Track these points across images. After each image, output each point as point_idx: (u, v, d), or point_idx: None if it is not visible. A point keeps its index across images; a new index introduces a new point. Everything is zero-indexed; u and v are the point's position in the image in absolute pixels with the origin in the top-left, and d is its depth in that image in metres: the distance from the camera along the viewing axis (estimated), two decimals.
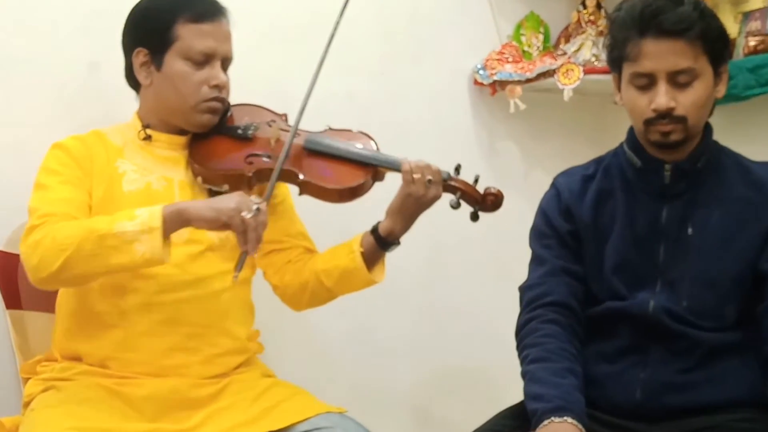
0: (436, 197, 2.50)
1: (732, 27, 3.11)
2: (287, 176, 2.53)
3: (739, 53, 3.10)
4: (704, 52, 2.26)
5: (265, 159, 2.54)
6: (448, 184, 2.51)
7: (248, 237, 2.26)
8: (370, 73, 3.31)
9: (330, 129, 2.65)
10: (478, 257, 3.49)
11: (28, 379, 2.50)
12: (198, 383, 2.44)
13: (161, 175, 2.52)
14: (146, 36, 2.51)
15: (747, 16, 3.14)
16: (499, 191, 2.54)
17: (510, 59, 3.44)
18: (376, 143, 2.62)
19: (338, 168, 2.55)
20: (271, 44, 3.11)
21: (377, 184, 2.57)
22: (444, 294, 3.46)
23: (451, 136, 3.35)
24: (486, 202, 2.53)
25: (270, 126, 2.61)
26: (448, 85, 3.46)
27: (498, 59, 3.43)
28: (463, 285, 3.48)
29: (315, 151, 2.57)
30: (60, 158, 2.47)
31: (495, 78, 3.40)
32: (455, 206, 2.51)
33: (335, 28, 2.53)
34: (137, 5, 2.55)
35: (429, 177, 2.47)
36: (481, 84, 3.44)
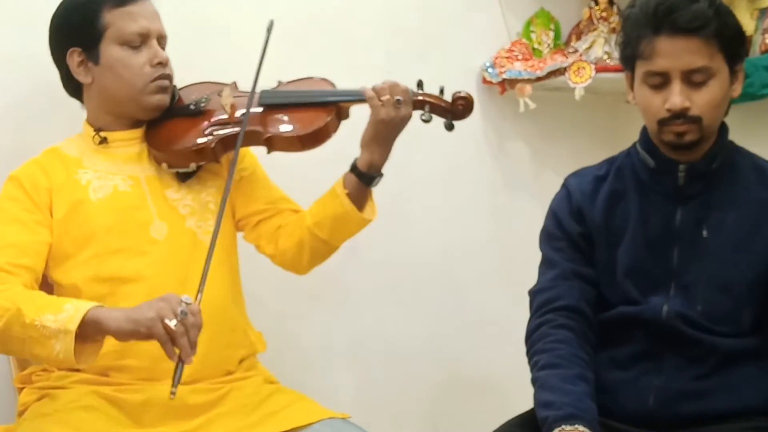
0: (407, 116, 2.51)
1: (748, 24, 3.10)
2: (251, 138, 2.54)
3: (755, 50, 3.10)
4: (720, 50, 2.26)
5: (224, 127, 2.55)
6: (415, 100, 2.52)
7: (179, 344, 2.13)
8: (376, 71, 3.28)
9: (281, 83, 2.66)
10: (486, 260, 3.49)
11: (23, 388, 2.51)
12: (198, 389, 2.44)
13: (126, 175, 2.53)
14: (75, 34, 2.52)
15: (764, 12, 3.14)
16: (468, 94, 2.55)
17: (520, 57, 3.44)
18: (331, 83, 2.63)
19: (299, 115, 2.56)
20: (275, 43, 3.09)
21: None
22: (452, 298, 3.46)
23: (459, 136, 3.31)
24: (456, 107, 2.54)
25: (220, 96, 2.61)
26: (456, 84, 3.40)
27: (507, 57, 3.43)
28: (471, 288, 3.48)
29: (272, 105, 2.58)
30: (10, 193, 2.47)
31: (504, 76, 3.40)
32: (427, 120, 2.53)
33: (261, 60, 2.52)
34: (56, 10, 2.55)
35: (398, 97, 2.48)
36: (490, 82, 3.44)
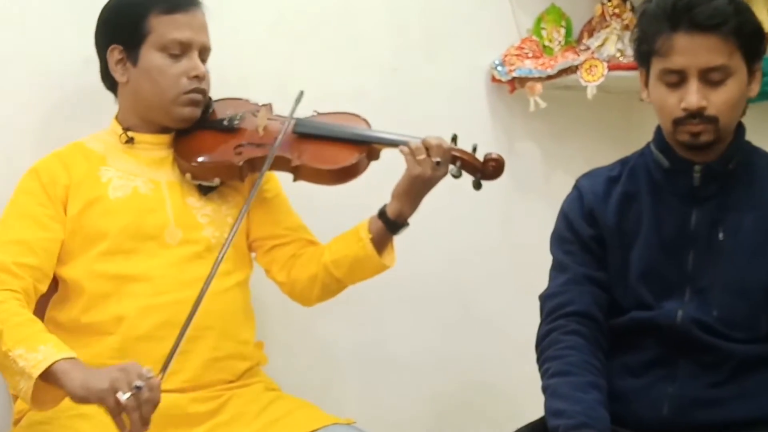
0: (443, 175, 2.55)
1: (766, 21, 3.10)
2: (279, 163, 2.58)
3: None
4: (738, 48, 2.26)
5: (254, 148, 2.59)
6: (452, 154, 2.56)
7: (131, 419, 2.12)
8: (381, 69, 3.31)
9: (317, 113, 2.69)
10: (496, 264, 3.49)
11: (18, 396, 2.51)
12: (198, 397, 2.45)
13: (148, 178, 2.56)
14: (119, 32, 2.56)
15: None
16: (499, 156, 2.59)
17: (530, 55, 3.43)
18: (367, 122, 2.67)
19: (331, 149, 2.60)
20: (277, 39, 3.11)
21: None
22: (459, 303, 3.45)
23: (467, 136, 3.32)
24: (487, 168, 2.58)
25: (255, 116, 2.64)
26: (465, 83, 3.45)
27: (517, 55, 3.43)
28: (479, 293, 3.48)
29: (305, 134, 2.62)
30: (27, 186, 2.51)
31: (514, 75, 3.39)
32: (456, 176, 2.56)
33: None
34: (108, 3, 2.60)
35: (437, 159, 2.52)
36: (500, 81, 3.43)
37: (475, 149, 2.58)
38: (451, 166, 2.55)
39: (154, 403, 2.14)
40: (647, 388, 2.34)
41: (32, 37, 2.80)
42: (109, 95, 2.65)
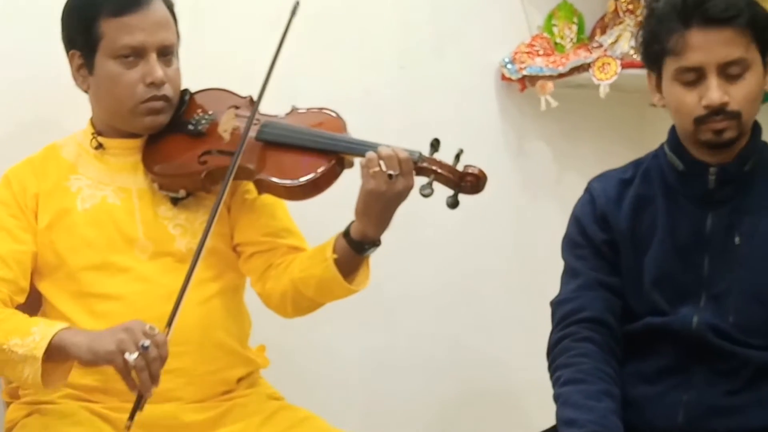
0: (406, 189, 2.32)
1: None
2: (243, 174, 2.44)
3: None
4: (753, 40, 2.27)
5: (219, 156, 2.47)
6: (419, 166, 2.34)
7: (139, 378, 2.14)
8: (387, 67, 3.31)
9: (295, 109, 2.56)
10: (506, 268, 3.49)
11: (11, 403, 2.52)
12: (196, 407, 2.44)
13: (118, 186, 2.51)
14: (75, 37, 2.49)
15: None
16: (480, 171, 2.33)
17: (541, 52, 3.43)
18: (344, 122, 2.50)
19: (296, 159, 2.43)
20: (277, 36, 3.11)
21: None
22: (468, 308, 3.45)
23: (476, 136, 3.35)
24: (465, 182, 2.33)
25: (229, 115, 2.54)
26: (474, 81, 3.45)
27: (528, 52, 3.43)
28: (488, 298, 3.47)
29: (269, 142, 2.47)
30: (0, 195, 2.48)
31: (524, 73, 3.39)
32: (427, 195, 2.31)
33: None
34: (66, 3, 2.52)
35: (390, 171, 2.29)
36: (509, 79, 3.43)
37: (458, 156, 2.33)
38: (422, 181, 2.32)
39: (162, 360, 2.16)
40: (662, 396, 2.34)
41: (18, 36, 2.81)
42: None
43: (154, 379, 2.15)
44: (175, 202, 2.51)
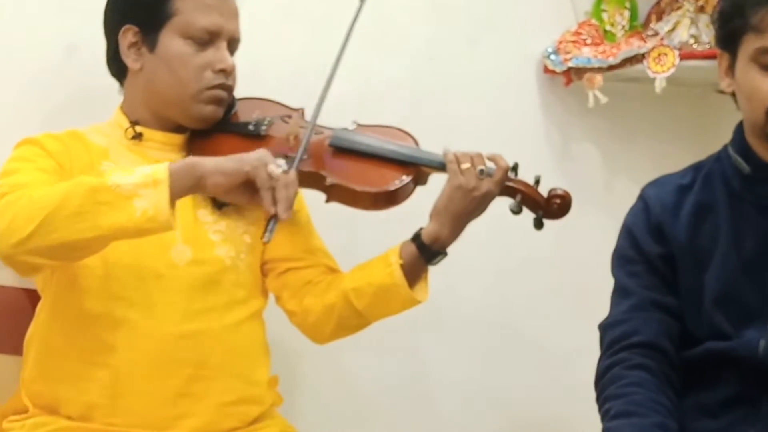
0: (489, 194, 2.51)
1: None
2: (311, 180, 2.54)
3: None
4: None
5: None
6: (506, 185, 2.54)
7: (278, 196, 2.29)
8: (416, 57, 3.33)
9: (358, 125, 2.66)
10: (550, 286, 3.49)
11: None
12: None
13: None
14: (137, 10, 2.54)
15: None
16: (566, 192, 2.57)
17: (588, 41, 3.44)
18: (415, 140, 2.65)
19: (372, 168, 2.57)
20: (292, 25, 3.11)
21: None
22: (505, 331, 3.45)
23: (515, 135, 3.35)
24: (551, 206, 2.56)
25: (285, 122, 2.62)
26: (512, 73, 3.47)
27: (574, 41, 3.44)
28: (531, 320, 3.48)
29: (343, 149, 2.59)
30: (32, 151, 2.48)
31: (570, 64, 3.40)
32: (516, 211, 2.55)
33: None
34: None
35: (481, 167, 2.49)
36: (553, 72, 3.44)
37: (537, 182, 2.56)
38: (510, 200, 2.53)
39: (296, 187, 2.37)
40: (726, 430, 2.33)
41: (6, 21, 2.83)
42: (98, 91, 2.66)
43: (291, 202, 2.33)
44: (219, 207, 2.56)
